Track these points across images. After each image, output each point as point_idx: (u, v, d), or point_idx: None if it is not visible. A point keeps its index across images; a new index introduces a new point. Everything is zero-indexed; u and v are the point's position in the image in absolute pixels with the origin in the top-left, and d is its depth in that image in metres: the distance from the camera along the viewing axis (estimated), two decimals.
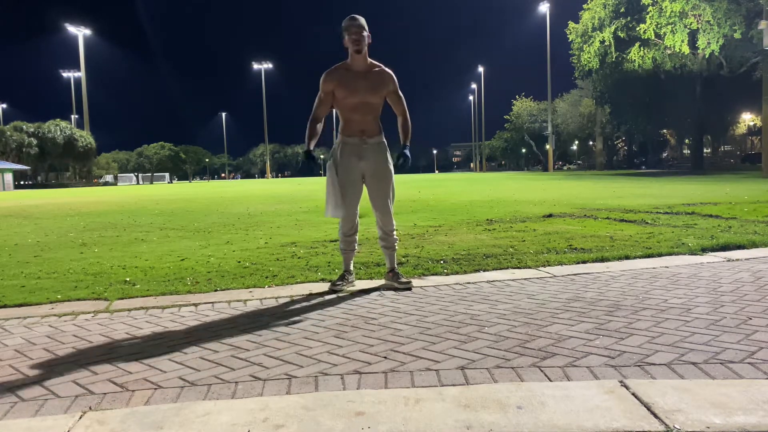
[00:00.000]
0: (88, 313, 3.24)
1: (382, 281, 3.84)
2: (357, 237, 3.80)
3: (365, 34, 3.51)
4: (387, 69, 3.64)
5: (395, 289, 3.60)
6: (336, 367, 2.23)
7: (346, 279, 3.72)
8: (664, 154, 62.38)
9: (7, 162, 54.77)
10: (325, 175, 3.77)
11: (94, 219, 10.20)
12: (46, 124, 59.94)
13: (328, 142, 3.73)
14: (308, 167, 3.68)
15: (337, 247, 5.44)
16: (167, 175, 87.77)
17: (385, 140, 3.71)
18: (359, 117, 3.58)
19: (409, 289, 3.59)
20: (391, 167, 3.69)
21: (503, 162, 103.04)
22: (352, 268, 3.81)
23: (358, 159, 3.60)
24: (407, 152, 3.65)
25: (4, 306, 3.47)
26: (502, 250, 4.95)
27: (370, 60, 3.60)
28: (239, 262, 4.81)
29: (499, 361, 2.24)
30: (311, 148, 3.66)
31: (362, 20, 3.53)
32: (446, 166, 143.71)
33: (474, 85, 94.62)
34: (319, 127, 3.70)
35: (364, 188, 3.71)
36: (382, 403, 1.86)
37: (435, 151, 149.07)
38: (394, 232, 3.76)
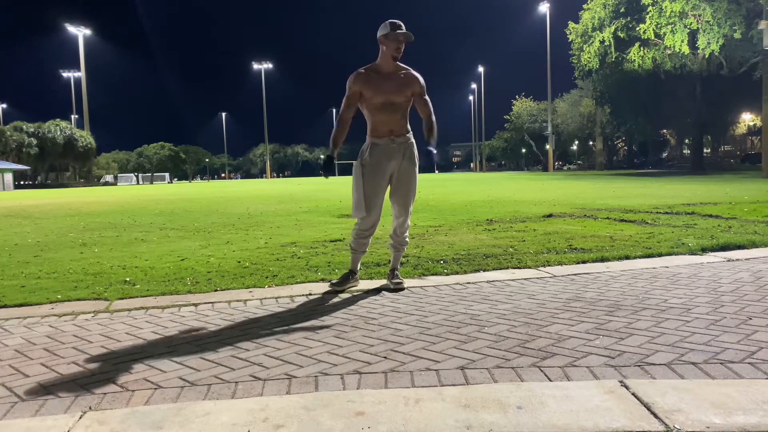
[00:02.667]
0: (88, 313, 3.24)
1: (382, 281, 3.84)
2: (370, 240, 3.80)
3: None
4: (415, 72, 3.66)
5: (389, 289, 3.61)
6: (336, 367, 2.23)
7: (350, 279, 3.72)
8: (664, 154, 62.34)
9: (7, 162, 54.74)
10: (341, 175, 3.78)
11: (94, 219, 10.20)
12: (46, 124, 59.89)
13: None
14: (327, 171, 3.59)
15: (337, 247, 5.44)
16: (167, 175, 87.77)
17: (413, 139, 3.71)
18: (386, 117, 3.59)
19: (401, 289, 3.60)
20: (417, 167, 3.71)
21: (503, 162, 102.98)
22: (357, 269, 3.82)
23: (387, 159, 3.61)
24: (431, 148, 3.54)
25: (4, 306, 3.47)
26: (502, 250, 4.95)
27: (397, 63, 3.64)
28: (239, 262, 4.81)
29: (499, 361, 2.24)
30: (335, 154, 3.65)
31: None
32: (446, 166, 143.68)
33: (474, 85, 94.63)
34: (346, 131, 3.67)
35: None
36: (382, 403, 1.86)
37: (435, 152, 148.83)
38: (407, 234, 3.80)
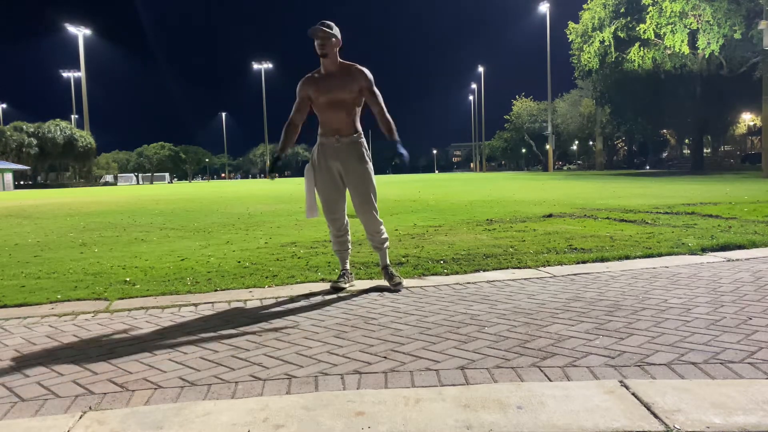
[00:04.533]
0: (88, 313, 3.24)
1: (382, 281, 3.84)
2: (349, 237, 3.79)
3: (330, 37, 3.47)
4: (359, 66, 3.58)
5: (388, 290, 3.61)
6: (336, 367, 2.23)
7: (346, 278, 3.72)
8: (664, 154, 62.33)
9: (7, 162, 54.76)
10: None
11: (94, 219, 10.20)
12: (46, 124, 59.91)
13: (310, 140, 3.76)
14: (271, 170, 3.75)
15: None
16: (167, 175, 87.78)
17: (362, 140, 3.65)
18: (332, 116, 3.57)
19: (399, 290, 3.59)
20: (369, 166, 3.64)
21: (503, 162, 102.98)
22: (348, 267, 3.82)
23: (333, 159, 3.59)
24: (400, 148, 3.53)
25: (4, 306, 3.47)
26: (502, 250, 4.95)
27: (341, 61, 3.59)
28: (239, 262, 4.81)
29: (499, 361, 2.24)
30: (282, 155, 3.69)
31: (327, 25, 3.50)
32: (446, 166, 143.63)
33: (474, 85, 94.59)
34: (295, 134, 3.69)
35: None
36: (382, 403, 1.86)
37: (435, 151, 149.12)
38: (382, 232, 3.72)
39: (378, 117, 3.63)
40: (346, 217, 3.75)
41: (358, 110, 3.64)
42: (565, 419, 1.71)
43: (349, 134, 3.59)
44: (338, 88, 3.53)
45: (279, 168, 3.76)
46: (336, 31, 3.51)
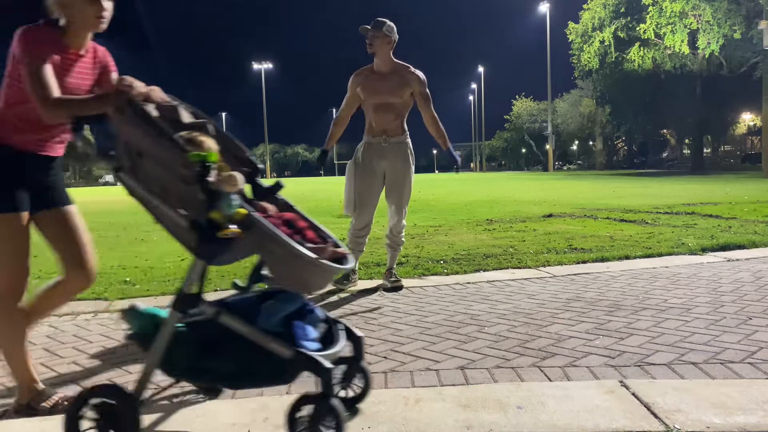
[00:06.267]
0: (88, 313, 3.24)
1: (382, 280, 3.84)
2: (366, 240, 3.80)
3: (377, 36, 3.51)
4: (414, 70, 3.63)
5: (387, 289, 3.61)
6: None
7: (350, 278, 3.71)
8: (664, 154, 62.31)
9: None
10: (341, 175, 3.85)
11: (95, 219, 10.19)
12: None
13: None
14: (319, 165, 3.84)
15: None
16: None
17: (408, 141, 3.69)
18: (381, 117, 3.61)
19: (399, 288, 3.60)
20: (412, 169, 3.70)
21: (503, 162, 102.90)
22: (356, 267, 3.82)
23: (379, 158, 3.62)
24: (456, 156, 3.75)
25: None
26: (502, 250, 4.95)
27: (397, 61, 3.63)
28: None
29: (499, 361, 2.24)
30: (329, 147, 3.77)
31: (378, 23, 3.54)
32: (446, 166, 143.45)
33: (474, 85, 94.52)
34: (341, 128, 3.77)
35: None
36: (382, 403, 1.86)
37: (435, 151, 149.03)
38: (403, 234, 3.77)
39: (431, 124, 3.74)
40: (373, 218, 3.76)
41: (407, 112, 3.68)
42: (565, 419, 1.71)
43: (397, 135, 3.64)
44: (388, 92, 3.57)
45: (326, 162, 3.85)
46: (387, 30, 3.53)
